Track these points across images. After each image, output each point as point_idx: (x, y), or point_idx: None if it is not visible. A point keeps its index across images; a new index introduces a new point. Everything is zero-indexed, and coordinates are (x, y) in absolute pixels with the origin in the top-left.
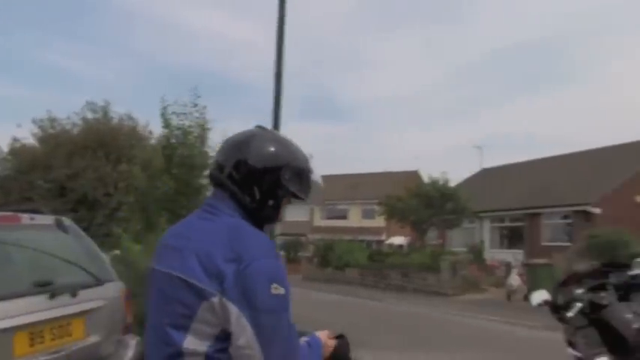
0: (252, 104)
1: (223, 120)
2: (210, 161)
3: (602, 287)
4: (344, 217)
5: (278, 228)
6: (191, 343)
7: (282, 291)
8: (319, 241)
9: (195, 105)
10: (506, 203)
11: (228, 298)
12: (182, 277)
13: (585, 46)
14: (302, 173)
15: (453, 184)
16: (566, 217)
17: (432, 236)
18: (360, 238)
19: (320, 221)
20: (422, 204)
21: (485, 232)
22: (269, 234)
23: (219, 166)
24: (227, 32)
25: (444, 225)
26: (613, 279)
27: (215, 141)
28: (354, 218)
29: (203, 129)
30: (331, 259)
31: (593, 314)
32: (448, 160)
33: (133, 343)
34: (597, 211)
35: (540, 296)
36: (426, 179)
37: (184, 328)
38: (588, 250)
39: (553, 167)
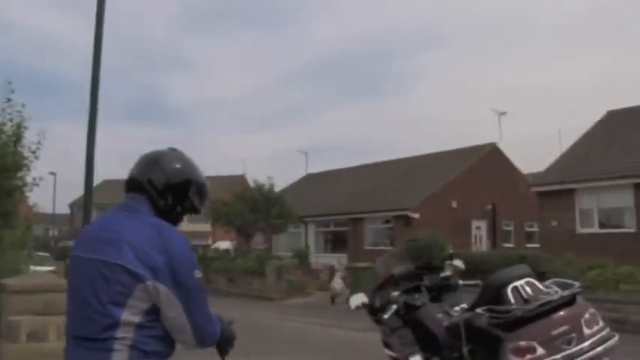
0: (78, 103)
1: (45, 119)
2: (25, 162)
3: (416, 289)
4: None
5: None
6: (126, 315)
7: (200, 275)
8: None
9: (9, 100)
10: (331, 208)
11: (160, 282)
12: (121, 263)
13: (404, 59)
14: (202, 190)
15: (279, 188)
16: (387, 221)
17: (258, 241)
18: None
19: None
20: (247, 208)
21: (311, 236)
22: None
23: (141, 175)
24: (49, 27)
25: (269, 229)
26: (426, 281)
27: (31, 140)
28: (184, 224)
29: (18, 127)
30: None
31: (408, 315)
32: (275, 164)
33: None
34: (416, 215)
35: (358, 299)
36: (252, 183)
37: (122, 304)
38: (407, 254)
39: (375, 173)
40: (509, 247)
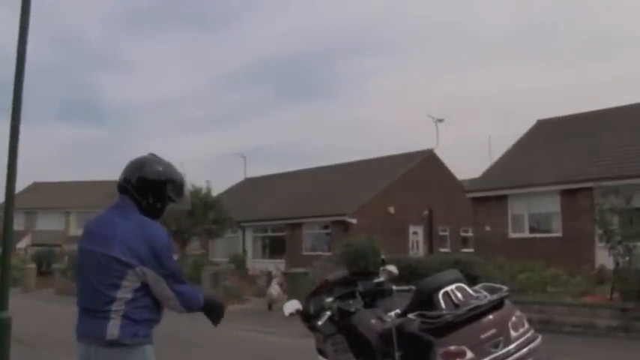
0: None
1: None
2: None
3: (351, 295)
4: None
5: (28, 239)
6: (120, 293)
7: (176, 257)
8: (75, 251)
9: None
10: (269, 213)
11: (146, 267)
12: (113, 255)
13: (345, 64)
14: (178, 186)
15: (217, 192)
16: (325, 227)
17: (194, 246)
18: None
19: (77, 230)
20: (184, 213)
21: (248, 241)
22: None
23: (126, 179)
24: None
25: (206, 234)
26: (360, 287)
27: None
28: None
29: None
30: None
31: (342, 321)
32: (213, 168)
33: None
34: (354, 221)
35: (292, 306)
36: (189, 187)
37: (117, 286)
38: (342, 259)
39: (314, 178)
40: (445, 252)
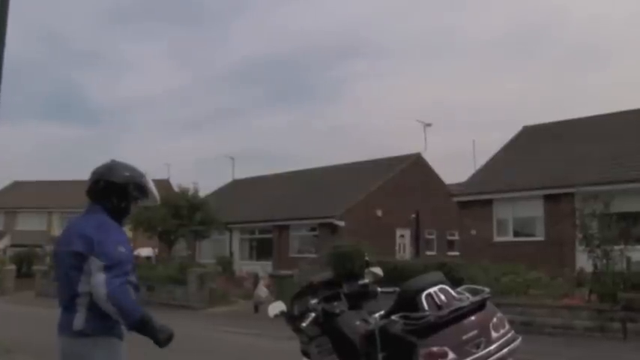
0: None
1: None
2: None
3: (335, 297)
4: None
5: (8, 239)
6: (81, 287)
7: (123, 250)
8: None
9: None
10: (256, 215)
11: (92, 252)
12: (73, 249)
13: (333, 67)
14: (140, 186)
15: (204, 194)
16: (313, 229)
17: (181, 248)
18: None
19: (59, 230)
20: (170, 214)
21: (236, 243)
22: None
23: (91, 187)
24: None
25: (193, 236)
26: (345, 288)
27: None
28: None
29: None
30: None
31: (327, 323)
32: (201, 169)
33: None
34: (342, 223)
35: (277, 307)
36: (176, 188)
37: (78, 280)
38: (329, 261)
39: (302, 181)
40: (431, 255)
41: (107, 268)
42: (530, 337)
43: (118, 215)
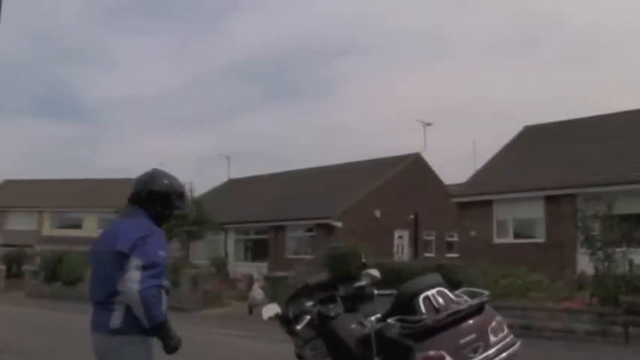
0: None
1: None
2: None
3: (331, 299)
4: (78, 226)
5: None
6: (120, 285)
7: (162, 254)
8: (48, 252)
9: None
10: (252, 215)
11: (133, 252)
12: (116, 249)
13: (331, 65)
14: (182, 195)
15: (199, 193)
16: (309, 230)
17: (174, 248)
18: None
19: (50, 230)
20: None
21: (230, 244)
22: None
23: (136, 193)
24: None
25: (186, 236)
26: (341, 291)
27: None
28: (90, 227)
29: None
30: (61, 273)
31: (322, 326)
32: (196, 168)
33: None
34: (339, 224)
35: (271, 310)
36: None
37: (119, 278)
38: (325, 263)
39: (299, 180)
40: (430, 257)
41: (144, 268)
42: (529, 340)
43: (160, 221)
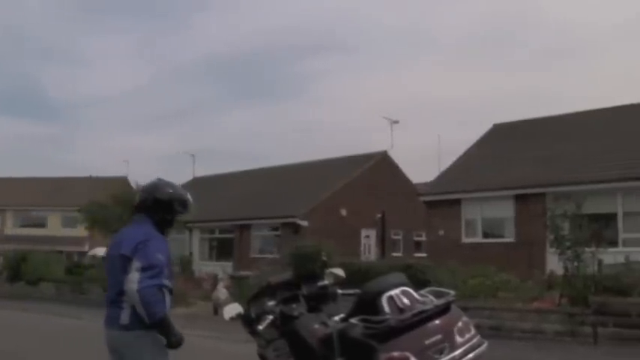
0: None
1: None
2: None
3: (295, 299)
4: (42, 224)
5: None
6: (125, 285)
7: (160, 257)
8: (10, 251)
9: None
10: (217, 214)
11: (135, 255)
12: (121, 253)
13: (299, 63)
14: (184, 202)
15: None
16: (275, 229)
17: None
18: (61, 248)
19: (13, 229)
20: (127, 212)
21: (195, 243)
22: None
23: (143, 201)
24: None
25: None
26: (304, 290)
27: None
28: (54, 226)
29: None
30: (25, 273)
31: (285, 326)
32: (161, 166)
33: None
34: (305, 223)
35: (233, 310)
36: (134, 186)
37: (124, 279)
38: (292, 262)
39: (264, 179)
40: (397, 256)
41: (144, 269)
42: (499, 341)
43: (163, 226)
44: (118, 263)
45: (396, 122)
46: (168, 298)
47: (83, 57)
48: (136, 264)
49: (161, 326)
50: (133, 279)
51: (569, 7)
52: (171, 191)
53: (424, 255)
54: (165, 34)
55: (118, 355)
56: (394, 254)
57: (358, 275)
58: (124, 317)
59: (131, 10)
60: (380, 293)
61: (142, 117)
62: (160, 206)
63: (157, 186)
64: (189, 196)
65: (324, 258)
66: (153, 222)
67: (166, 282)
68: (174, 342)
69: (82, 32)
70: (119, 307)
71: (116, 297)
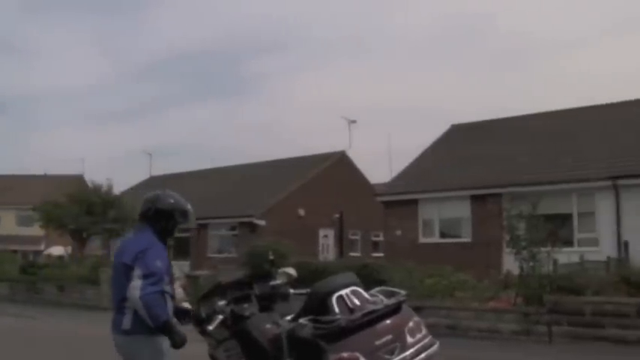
0: None
1: None
2: None
3: (246, 298)
4: None
5: None
6: (128, 292)
7: (159, 264)
8: None
9: None
10: None
11: (136, 262)
12: (123, 261)
13: (256, 62)
14: (185, 213)
15: (119, 190)
16: (232, 228)
17: (94, 246)
18: (16, 247)
19: None
20: (83, 211)
21: None
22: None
23: (145, 211)
24: None
25: (107, 234)
26: (256, 289)
27: None
28: (8, 225)
29: None
30: None
31: (236, 326)
32: (117, 165)
33: None
34: (262, 223)
35: None
36: (90, 184)
37: (126, 286)
38: (248, 261)
39: (221, 178)
40: (355, 256)
41: (144, 277)
42: (455, 340)
43: (164, 235)
44: (121, 270)
45: (354, 122)
46: (170, 302)
47: (37, 51)
48: (137, 272)
49: (165, 329)
50: (136, 286)
51: (524, 15)
52: (172, 202)
53: (382, 255)
54: (121, 30)
55: (123, 358)
56: (352, 254)
57: (315, 275)
58: (126, 322)
59: (87, 4)
60: (330, 293)
61: (98, 114)
62: (161, 216)
63: (159, 197)
64: (189, 207)
65: (271, 257)
66: (154, 231)
67: (167, 288)
68: (178, 342)
69: (36, 26)
70: (122, 313)
71: (119, 303)
